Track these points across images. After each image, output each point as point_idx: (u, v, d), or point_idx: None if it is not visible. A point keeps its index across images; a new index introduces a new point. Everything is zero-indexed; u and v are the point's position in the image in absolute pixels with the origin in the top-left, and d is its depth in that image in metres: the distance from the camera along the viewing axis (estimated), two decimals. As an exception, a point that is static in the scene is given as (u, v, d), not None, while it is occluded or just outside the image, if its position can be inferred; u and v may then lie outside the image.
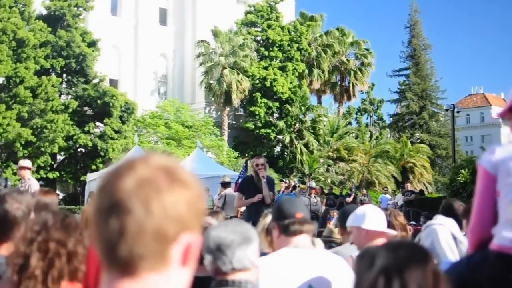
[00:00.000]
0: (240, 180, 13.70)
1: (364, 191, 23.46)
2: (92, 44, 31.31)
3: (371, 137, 42.57)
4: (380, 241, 3.26)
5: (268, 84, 36.54)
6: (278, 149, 38.10)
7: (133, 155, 1.12)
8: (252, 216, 7.10)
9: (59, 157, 30.41)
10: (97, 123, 30.38)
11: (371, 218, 3.45)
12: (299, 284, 2.72)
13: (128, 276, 1.00)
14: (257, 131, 36.85)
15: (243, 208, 12.70)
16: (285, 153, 37.22)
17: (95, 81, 30.98)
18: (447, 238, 3.78)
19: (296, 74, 38.64)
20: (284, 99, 37.00)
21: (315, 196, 18.08)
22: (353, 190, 23.02)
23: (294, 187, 20.81)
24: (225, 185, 11.82)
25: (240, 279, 2.23)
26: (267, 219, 3.78)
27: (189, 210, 1.03)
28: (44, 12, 30.94)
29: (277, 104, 37.08)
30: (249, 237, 2.28)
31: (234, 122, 39.89)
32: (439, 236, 3.82)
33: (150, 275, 1.00)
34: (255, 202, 7.61)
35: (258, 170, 7.76)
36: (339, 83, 44.02)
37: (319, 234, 5.86)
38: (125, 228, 0.98)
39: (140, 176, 1.01)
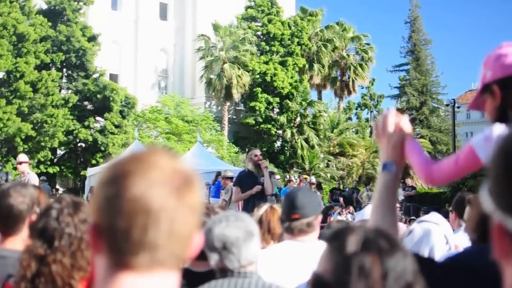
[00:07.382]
0: None
1: (369, 186, 23.13)
2: (92, 38, 31.24)
3: (371, 132, 42.50)
4: None
5: (268, 79, 36.46)
6: (278, 144, 38.05)
7: (135, 150, 1.10)
8: (250, 210, 6.66)
9: (59, 152, 30.40)
10: (97, 118, 30.35)
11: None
12: (300, 278, 2.71)
13: (135, 273, 0.98)
14: (258, 126, 36.80)
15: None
16: (286, 148, 37.17)
17: (95, 75, 30.92)
18: (441, 241, 3.76)
19: (297, 69, 38.55)
20: (284, 94, 36.92)
21: (315, 191, 18.16)
22: (357, 185, 22.95)
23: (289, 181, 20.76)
24: (230, 178, 11.64)
25: (246, 270, 2.27)
26: (261, 211, 3.79)
27: (201, 210, 1.05)
28: (44, 6, 30.88)
29: (277, 99, 37.00)
30: (251, 231, 2.31)
31: (234, 117, 39.84)
32: (433, 237, 3.79)
33: (163, 273, 1.00)
34: (254, 195, 7.41)
35: (258, 161, 7.61)
36: (339, 78, 43.88)
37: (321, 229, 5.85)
38: (151, 236, 0.97)
39: (161, 180, 0.99)
